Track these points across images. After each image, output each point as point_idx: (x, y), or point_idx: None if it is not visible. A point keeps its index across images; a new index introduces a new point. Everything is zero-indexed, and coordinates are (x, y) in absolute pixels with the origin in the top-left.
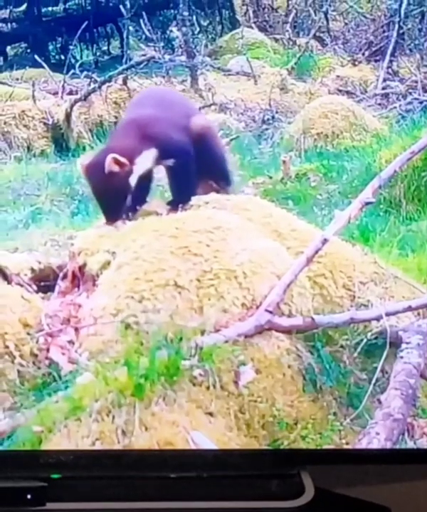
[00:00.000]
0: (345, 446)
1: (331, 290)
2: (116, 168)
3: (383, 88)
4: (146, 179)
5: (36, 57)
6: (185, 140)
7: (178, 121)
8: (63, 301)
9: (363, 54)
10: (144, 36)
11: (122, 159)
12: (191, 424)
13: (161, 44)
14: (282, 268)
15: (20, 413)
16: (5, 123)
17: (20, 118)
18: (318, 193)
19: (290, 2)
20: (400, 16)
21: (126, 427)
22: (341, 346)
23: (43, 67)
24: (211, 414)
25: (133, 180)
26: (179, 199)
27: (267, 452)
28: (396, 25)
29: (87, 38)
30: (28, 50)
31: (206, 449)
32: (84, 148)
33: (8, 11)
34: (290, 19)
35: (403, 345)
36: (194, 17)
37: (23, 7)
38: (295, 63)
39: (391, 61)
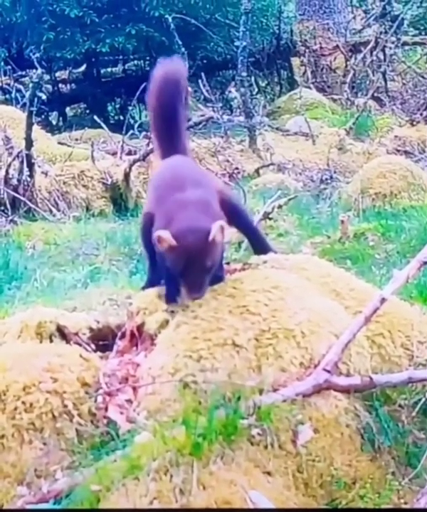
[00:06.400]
0: (404, 506)
1: (389, 349)
2: (220, 238)
3: None
4: None
5: (95, 117)
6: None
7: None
8: (122, 360)
9: (421, 114)
10: (202, 96)
11: (226, 226)
12: (249, 484)
13: (220, 104)
14: (340, 327)
15: (78, 472)
16: (64, 183)
17: (79, 178)
18: (376, 253)
19: (348, 62)
20: None
21: (184, 486)
22: (400, 406)
23: (102, 127)
24: (269, 473)
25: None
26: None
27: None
28: None
29: (145, 98)
30: (88, 111)
31: (264, 509)
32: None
33: (67, 72)
34: (348, 79)
35: None
36: (253, 78)
37: (83, 68)
38: (353, 123)
39: None
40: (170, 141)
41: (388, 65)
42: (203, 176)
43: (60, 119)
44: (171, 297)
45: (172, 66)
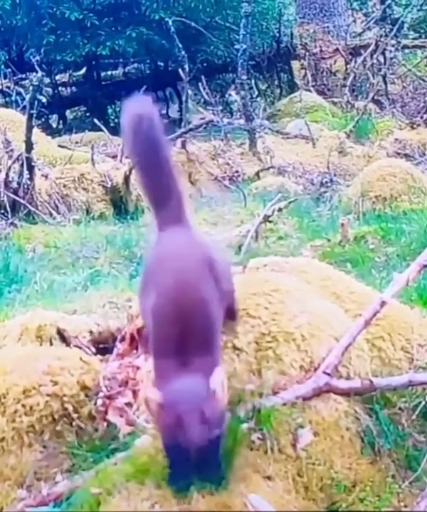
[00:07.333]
0: (404, 509)
1: (389, 352)
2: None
3: None
4: None
5: (96, 120)
6: None
7: None
8: (122, 363)
9: (421, 117)
10: (202, 100)
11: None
12: (249, 487)
13: (220, 107)
14: (341, 330)
15: (78, 475)
16: (64, 186)
17: (79, 181)
18: (376, 256)
19: (348, 66)
20: None
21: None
22: (400, 409)
23: (102, 130)
24: (269, 477)
25: None
26: None
27: None
28: None
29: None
30: (88, 114)
31: None
32: (143, 211)
33: (67, 74)
34: (348, 82)
35: None
36: (253, 81)
37: (83, 71)
38: (353, 126)
39: None
40: (166, 198)
41: (388, 68)
42: (198, 261)
43: (60, 121)
44: (179, 482)
45: (139, 106)
